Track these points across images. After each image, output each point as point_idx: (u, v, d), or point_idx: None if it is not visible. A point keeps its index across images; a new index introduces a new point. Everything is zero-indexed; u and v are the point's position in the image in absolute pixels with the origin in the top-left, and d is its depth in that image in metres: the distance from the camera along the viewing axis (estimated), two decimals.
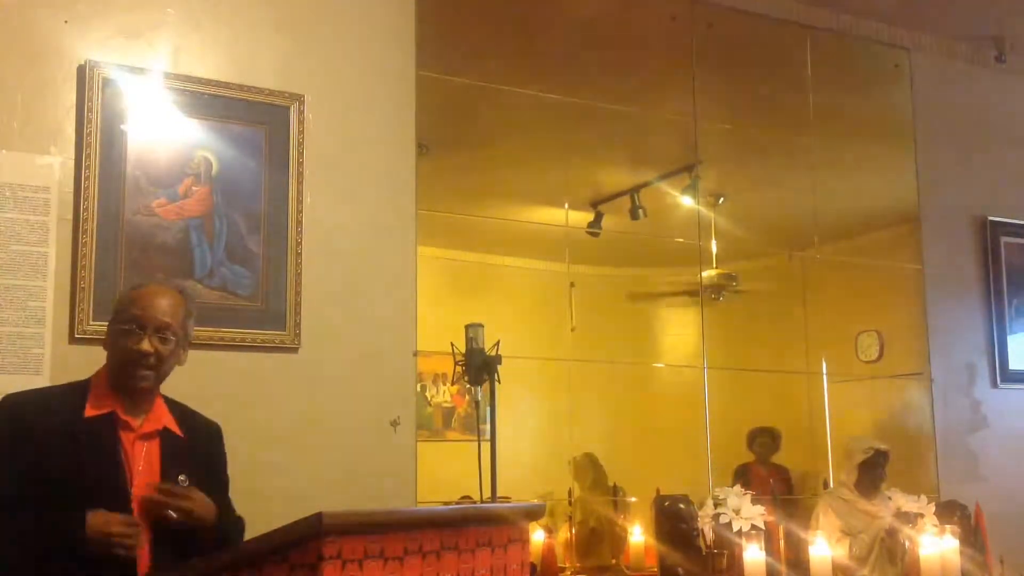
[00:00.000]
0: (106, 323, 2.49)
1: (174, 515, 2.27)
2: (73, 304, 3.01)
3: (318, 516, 1.81)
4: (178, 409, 2.49)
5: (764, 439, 4.48)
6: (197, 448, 2.48)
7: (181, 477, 2.34)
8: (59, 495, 2.20)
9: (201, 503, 2.34)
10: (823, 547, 3.58)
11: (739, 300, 4.52)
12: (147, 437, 2.38)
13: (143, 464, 2.34)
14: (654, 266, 4.57)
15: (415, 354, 3.53)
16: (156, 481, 2.32)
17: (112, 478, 2.29)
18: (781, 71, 4.62)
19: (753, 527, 3.60)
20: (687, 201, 4.36)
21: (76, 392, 2.38)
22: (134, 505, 2.28)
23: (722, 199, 4.47)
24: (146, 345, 2.35)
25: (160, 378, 2.41)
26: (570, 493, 3.91)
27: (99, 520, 2.18)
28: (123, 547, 2.18)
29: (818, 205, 4.60)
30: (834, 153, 4.65)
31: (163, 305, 2.40)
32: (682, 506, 3.64)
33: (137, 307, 2.37)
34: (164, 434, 2.41)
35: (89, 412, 2.33)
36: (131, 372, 2.35)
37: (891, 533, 3.83)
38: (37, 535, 2.17)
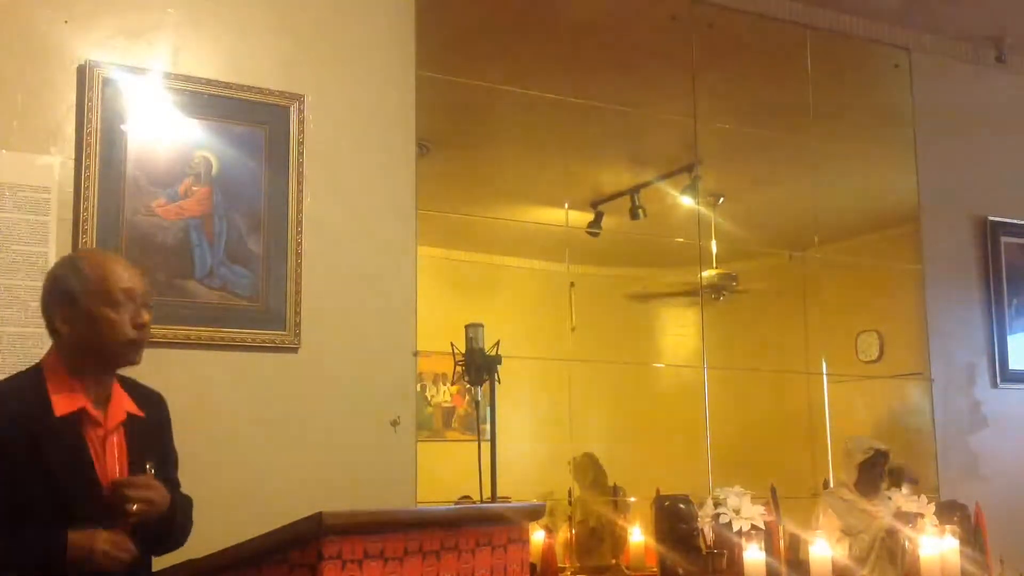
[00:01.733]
0: None
1: (134, 508, 2.13)
2: None
3: (318, 516, 1.81)
4: (127, 385, 2.33)
5: None
6: (153, 421, 2.36)
7: (148, 464, 2.22)
8: (34, 506, 2.08)
9: (159, 491, 2.20)
10: (823, 547, 3.58)
11: (739, 300, 4.52)
12: (114, 430, 2.24)
13: (115, 461, 2.21)
14: (654, 266, 4.57)
15: (415, 354, 3.53)
16: (118, 477, 2.18)
17: (89, 483, 2.16)
18: (781, 71, 4.62)
19: (753, 527, 3.59)
20: (687, 201, 4.36)
21: (32, 387, 2.17)
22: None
23: (722, 199, 4.47)
24: (147, 316, 2.23)
25: None
26: (570, 493, 3.91)
27: (83, 539, 2.06)
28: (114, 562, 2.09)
29: (818, 205, 4.60)
30: (834, 153, 4.65)
31: (139, 272, 2.27)
32: (682, 506, 3.64)
33: (124, 278, 2.21)
34: (127, 420, 2.27)
35: (59, 411, 2.14)
36: (132, 349, 2.22)
37: (891, 533, 3.83)
38: (17, 554, 2.04)
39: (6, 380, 2.31)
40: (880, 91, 4.87)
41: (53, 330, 2.23)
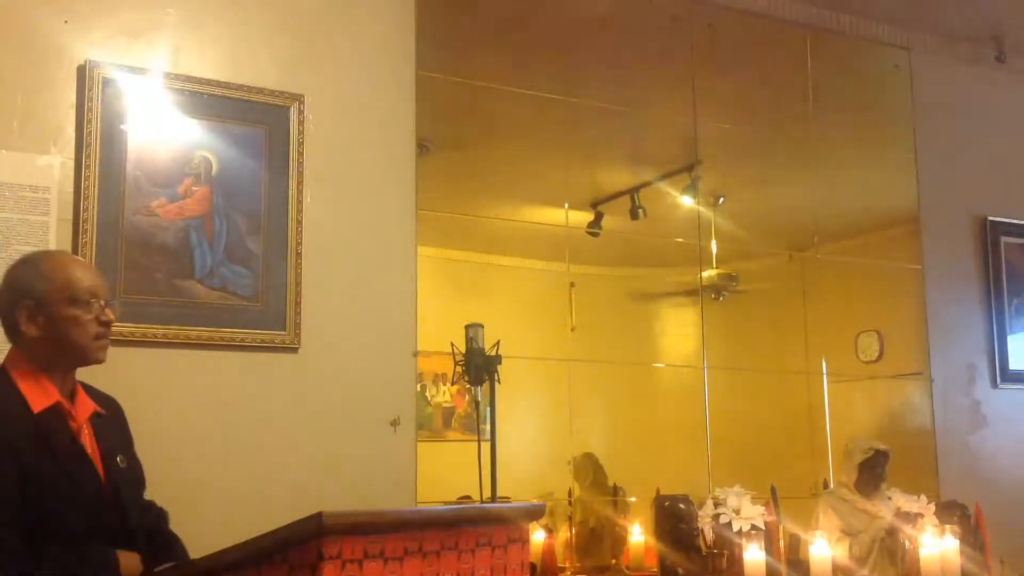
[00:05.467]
0: None
1: None
2: None
3: (318, 516, 1.80)
4: (85, 387, 2.38)
5: None
6: (117, 422, 2.43)
7: (119, 458, 2.31)
8: (44, 501, 2.13)
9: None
10: (823, 547, 3.57)
11: (739, 300, 4.52)
12: (85, 424, 2.29)
13: (91, 452, 2.27)
14: (654, 266, 4.56)
15: (415, 354, 3.53)
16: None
17: (87, 473, 2.23)
18: (781, 71, 4.62)
19: (753, 527, 3.59)
20: (687, 201, 4.36)
21: (3, 389, 2.20)
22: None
23: (722, 199, 4.47)
24: (111, 313, 2.28)
25: None
26: (570, 493, 3.91)
27: (132, 563, 2.18)
28: None
29: (818, 205, 4.60)
30: (834, 153, 4.65)
31: (99, 272, 2.33)
32: (682, 506, 3.64)
33: (87, 279, 2.27)
34: (92, 416, 2.32)
35: (37, 408, 2.18)
36: (99, 346, 2.27)
37: (891, 533, 3.83)
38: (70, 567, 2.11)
39: None
40: (880, 91, 4.87)
41: (16, 330, 2.25)
